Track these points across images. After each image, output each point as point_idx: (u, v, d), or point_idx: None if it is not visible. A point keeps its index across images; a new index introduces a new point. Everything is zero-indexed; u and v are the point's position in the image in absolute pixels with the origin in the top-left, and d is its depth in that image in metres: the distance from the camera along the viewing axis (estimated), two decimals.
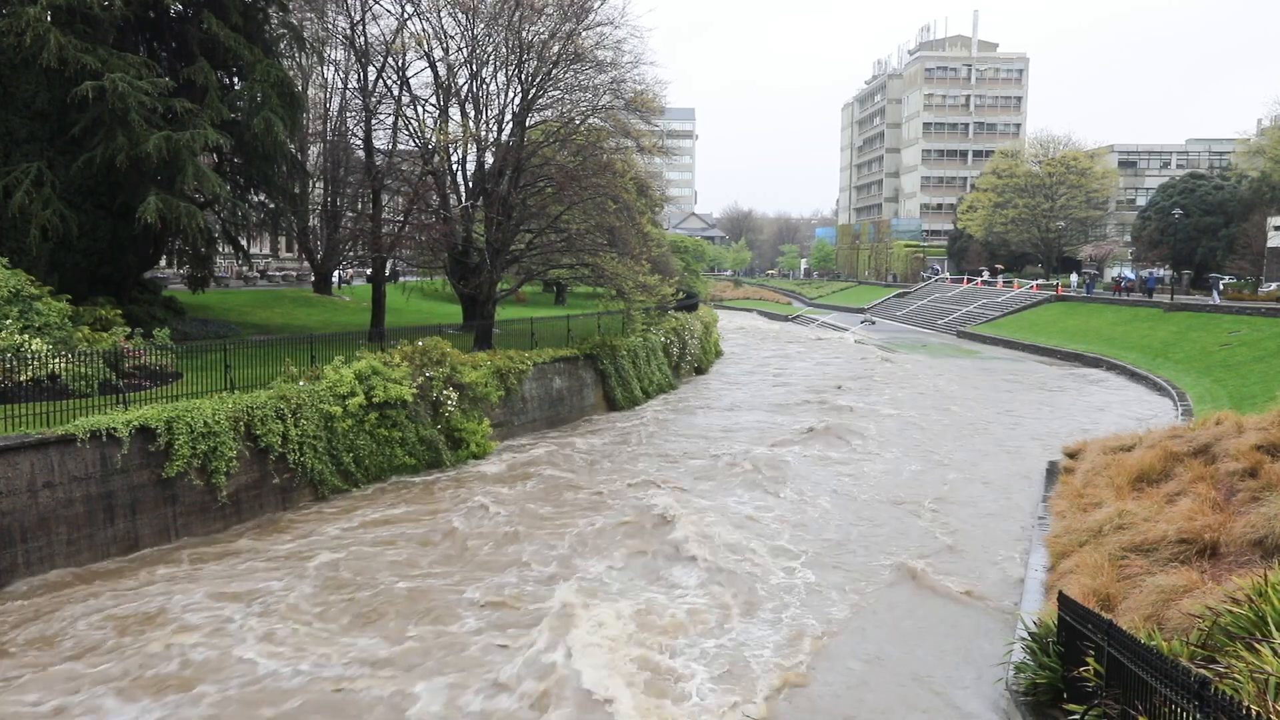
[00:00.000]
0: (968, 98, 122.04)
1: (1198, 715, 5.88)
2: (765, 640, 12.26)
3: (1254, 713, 5.51)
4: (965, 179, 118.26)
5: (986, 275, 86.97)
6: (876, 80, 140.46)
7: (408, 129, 33.12)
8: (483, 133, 32.17)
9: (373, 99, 32.57)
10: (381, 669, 11.23)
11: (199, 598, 13.29)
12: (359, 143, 35.44)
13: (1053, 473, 19.87)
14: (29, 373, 16.28)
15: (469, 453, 22.54)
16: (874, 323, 78.33)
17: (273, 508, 17.70)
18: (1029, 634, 10.09)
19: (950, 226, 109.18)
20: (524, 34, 30.50)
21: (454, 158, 34.47)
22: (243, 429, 17.09)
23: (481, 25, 31.51)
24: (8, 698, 10.36)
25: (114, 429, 14.83)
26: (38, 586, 13.53)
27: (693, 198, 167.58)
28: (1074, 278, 72.97)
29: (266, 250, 59.58)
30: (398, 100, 33.14)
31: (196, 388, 18.01)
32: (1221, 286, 53.89)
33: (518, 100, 32.05)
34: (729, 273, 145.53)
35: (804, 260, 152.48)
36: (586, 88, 32.54)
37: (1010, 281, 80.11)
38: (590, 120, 32.93)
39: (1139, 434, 19.40)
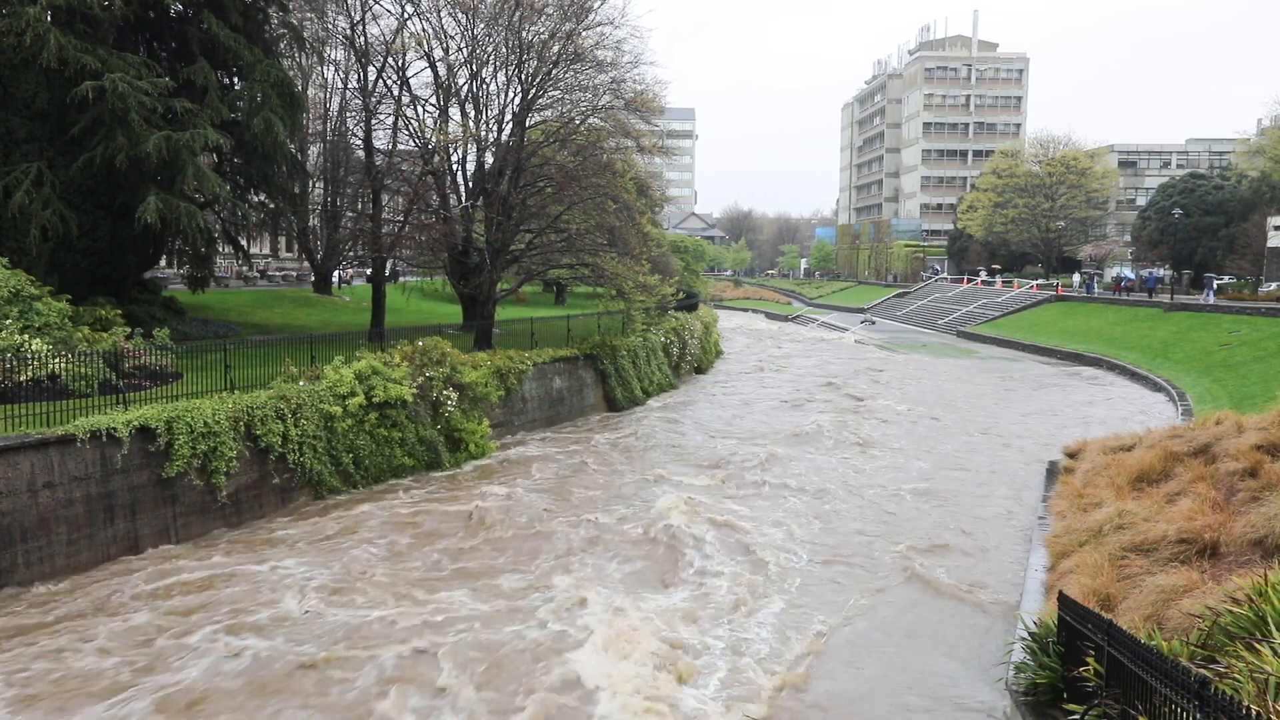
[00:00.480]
0: (968, 98, 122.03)
1: (1198, 715, 5.88)
2: (766, 636, 12.27)
3: (1254, 713, 5.51)
4: (965, 179, 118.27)
5: (984, 275, 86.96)
6: (876, 80, 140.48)
7: (408, 129, 33.12)
8: (483, 133, 32.17)
9: (373, 99, 32.56)
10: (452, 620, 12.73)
11: (264, 569, 14.43)
12: (359, 143, 35.44)
13: (1053, 472, 19.86)
14: (29, 373, 16.28)
15: (468, 453, 22.53)
16: (874, 323, 78.34)
17: (273, 507, 17.70)
18: (1029, 634, 10.09)
19: (950, 226, 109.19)
20: (524, 34, 30.50)
21: (454, 158, 34.50)
22: (243, 429, 17.09)
23: (481, 25, 31.52)
24: (140, 639, 11.96)
25: (114, 429, 14.83)
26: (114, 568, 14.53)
27: (693, 198, 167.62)
28: (1076, 278, 72.96)
29: (266, 250, 59.58)
30: (398, 100, 33.13)
31: (196, 388, 18.01)
32: (1215, 286, 54.06)
33: (518, 100, 32.07)
34: (729, 273, 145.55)
35: (804, 260, 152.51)
36: (586, 88, 32.55)
37: (1010, 281, 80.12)
38: (590, 120, 32.93)
39: (1139, 434, 19.40)
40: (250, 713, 10.23)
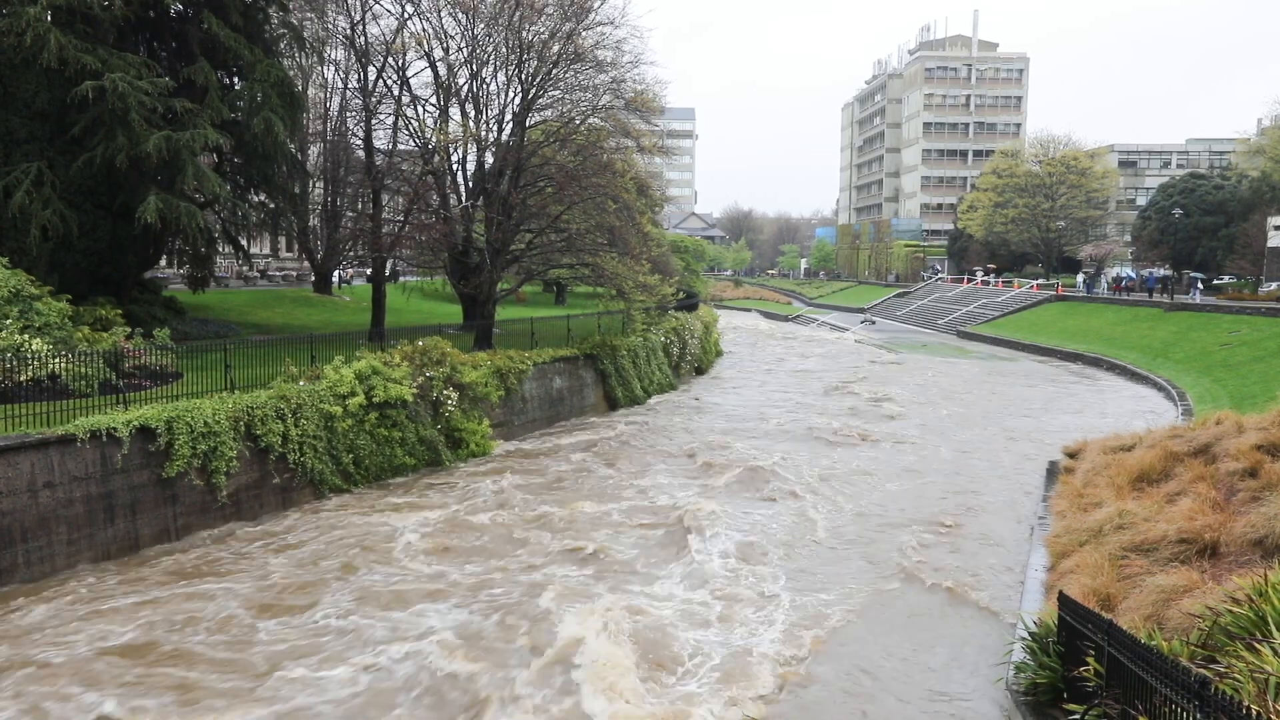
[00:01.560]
0: (968, 98, 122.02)
1: (1198, 715, 5.88)
2: (765, 637, 12.26)
3: (1254, 713, 5.51)
4: (965, 179, 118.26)
5: (981, 275, 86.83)
6: (876, 80, 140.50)
7: (408, 129, 33.11)
8: (483, 133, 32.16)
9: (373, 99, 32.54)
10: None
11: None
12: (359, 143, 35.41)
13: (1053, 472, 19.86)
14: (29, 373, 16.28)
15: (469, 452, 22.55)
16: (874, 323, 78.34)
17: (273, 507, 17.70)
18: (1029, 634, 10.09)
19: (950, 226, 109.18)
20: (524, 34, 30.49)
21: (454, 157, 34.48)
22: (243, 429, 17.09)
23: (481, 25, 31.51)
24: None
25: (114, 429, 14.83)
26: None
27: (693, 198, 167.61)
28: (1081, 277, 72.94)
29: (266, 250, 59.54)
30: (398, 100, 33.12)
31: (196, 388, 18.00)
32: (1200, 285, 54.65)
33: (518, 100, 32.07)
34: (729, 273, 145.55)
35: (804, 260, 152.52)
36: (586, 88, 32.54)
37: (1010, 281, 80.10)
38: (590, 120, 32.93)
39: (1139, 434, 19.40)
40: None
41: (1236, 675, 6.74)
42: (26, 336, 17.17)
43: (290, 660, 11.24)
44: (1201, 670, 6.51)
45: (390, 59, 32.48)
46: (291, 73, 32.65)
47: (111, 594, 13.32)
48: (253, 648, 11.66)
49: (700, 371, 43.25)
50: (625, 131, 34.11)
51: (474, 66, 32.22)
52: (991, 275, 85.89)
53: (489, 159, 32.90)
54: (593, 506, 18.50)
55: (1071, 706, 8.46)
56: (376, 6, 32.11)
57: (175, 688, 10.52)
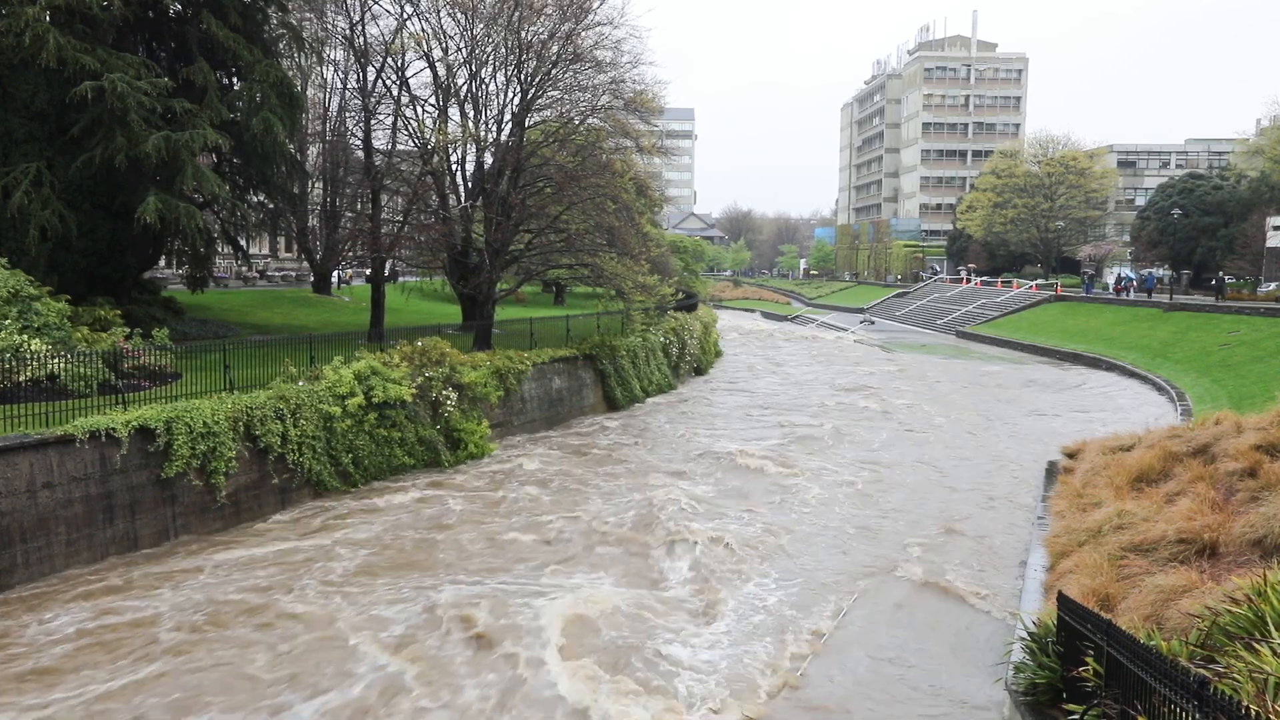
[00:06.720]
0: (967, 98, 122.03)
1: (1197, 715, 5.88)
2: (765, 638, 12.27)
3: (1253, 712, 5.51)
4: (964, 179, 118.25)
5: (965, 274, 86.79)
6: (876, 80, 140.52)
7: (407, 129, 33.08)
8: (482, 133, 32.14)
9: (372, 99, 32.53)
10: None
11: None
12: (358, 143, 35.39)
13: (1052, 473, 19.84)
14: (28, 373, 16.27)
15: (468, 453, 22.53)
16: (873, 323, 78.35)
17: (272, 508, 17.69)
18: (1028, 634, 10.07)
19: (950, 226, 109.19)
20: (523, 34, 30.49)
21: (453, 158, 34.47)
22: (242, 429, 17.08)
23: (481, 25, 31.49)
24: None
25: (113, 429, 14.82)
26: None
27: (692, 198, 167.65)
28: (1109, 279, 73.17)
29: (266, 250, 59.56)
30: (397, 100, 33.11)
31: (196, 388, 18.00)
32: (1135, 284, 55.23)
33: (517, 100, 32.05)
34: (728, 273, 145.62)
35: (803, 260, 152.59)
36: (586, 88, 32.53)
37: (1009, 281, 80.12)
38: (589, 120, 32.93)
39: (1138, 434, 19.37)
40: None
41: (1235, 675, 6.74)
42: (25, 337, 17.16)
43: None
44: (1200, 670, 6.50)
45: (389, 59, 32.48)
46: (291, 73, 32.60)
47: None
48: None
49: (699, 372, 43.23)
50: (624, 132, 34.10)
51: (473, 67, 32.22)
52: (971, 273, 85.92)
53: (488, 159, 32.88)
54: (571, 516, 18.43)
55: (1071, 707, 8.45)
56: (376, 7, 32.16)
57: None
